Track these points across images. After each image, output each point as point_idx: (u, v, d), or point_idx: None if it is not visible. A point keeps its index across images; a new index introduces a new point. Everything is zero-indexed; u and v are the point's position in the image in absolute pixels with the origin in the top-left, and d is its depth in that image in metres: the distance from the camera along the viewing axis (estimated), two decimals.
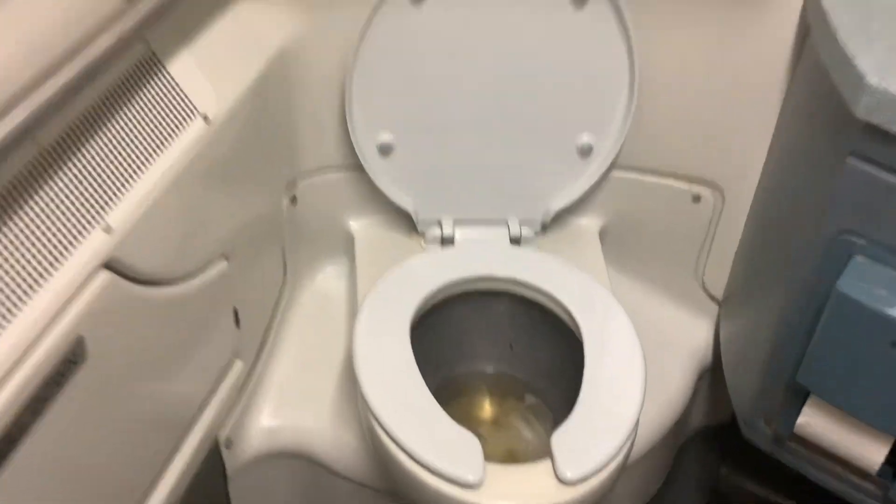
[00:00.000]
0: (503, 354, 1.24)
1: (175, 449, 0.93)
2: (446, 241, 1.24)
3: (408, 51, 1.10)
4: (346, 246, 1.30)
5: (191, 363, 0.93)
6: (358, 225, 1.29)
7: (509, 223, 1.24)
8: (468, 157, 1.20)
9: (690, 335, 1.32)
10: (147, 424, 0.86)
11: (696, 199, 1.24)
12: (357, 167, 1.19)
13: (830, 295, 0.87)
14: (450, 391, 1.22)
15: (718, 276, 1.28)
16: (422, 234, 1.26)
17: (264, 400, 1.16)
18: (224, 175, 0.94)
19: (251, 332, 1.10)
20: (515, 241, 1.23)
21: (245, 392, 1.10)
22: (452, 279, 1.14)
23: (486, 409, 1.21)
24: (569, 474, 0.89)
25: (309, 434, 1.16)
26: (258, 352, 1.14)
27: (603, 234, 1.31)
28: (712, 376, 1.32)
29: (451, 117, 1.16)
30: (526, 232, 1.24)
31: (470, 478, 0.88)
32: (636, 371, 1.01)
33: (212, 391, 1.00)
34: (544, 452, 1.15)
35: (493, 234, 1.24)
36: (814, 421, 0.97)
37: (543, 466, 0.91)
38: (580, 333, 1.07)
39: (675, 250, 1.31)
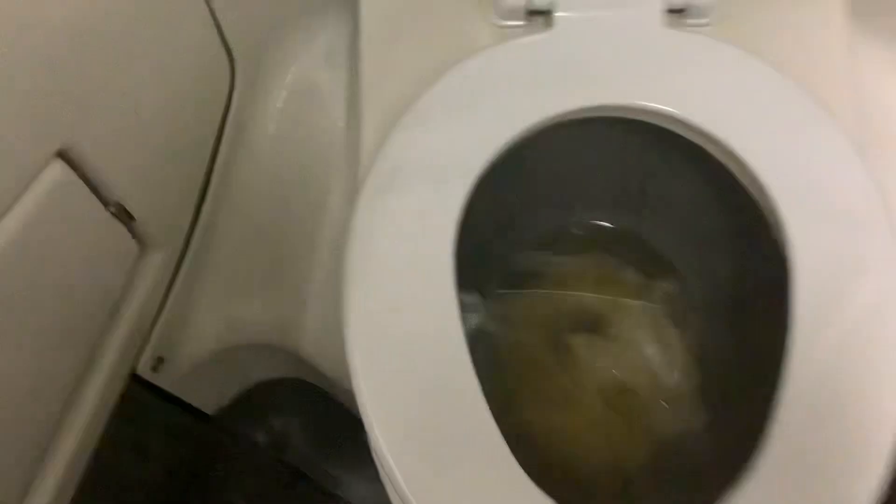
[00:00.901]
0: (629, 202, 0.72)
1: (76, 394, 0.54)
2: (536, 16, 0.62)
3: None
4: (343, 13, 0.69)
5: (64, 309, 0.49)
6: None
7: None
8: None
9: None
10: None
11: None
12: None
13: None
14: (527, 262, 0.73)
15: None
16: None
17: (207, 290, 0.70)
18: None
19: (166, 209, 0.60)
20: (676, 11, 0.61)
21: (173, 292, 0.64)
22: (551, 112, 0.57)
23: (590, 292, 0.72)
24: None
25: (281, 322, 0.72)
26: (189, 229, 0.64)
27: None
28: None
29: None
30: None
31: None
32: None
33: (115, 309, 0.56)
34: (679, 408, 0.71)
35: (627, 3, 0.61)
36: None
37: None
38: (786, 248, 0.54)
39: None
